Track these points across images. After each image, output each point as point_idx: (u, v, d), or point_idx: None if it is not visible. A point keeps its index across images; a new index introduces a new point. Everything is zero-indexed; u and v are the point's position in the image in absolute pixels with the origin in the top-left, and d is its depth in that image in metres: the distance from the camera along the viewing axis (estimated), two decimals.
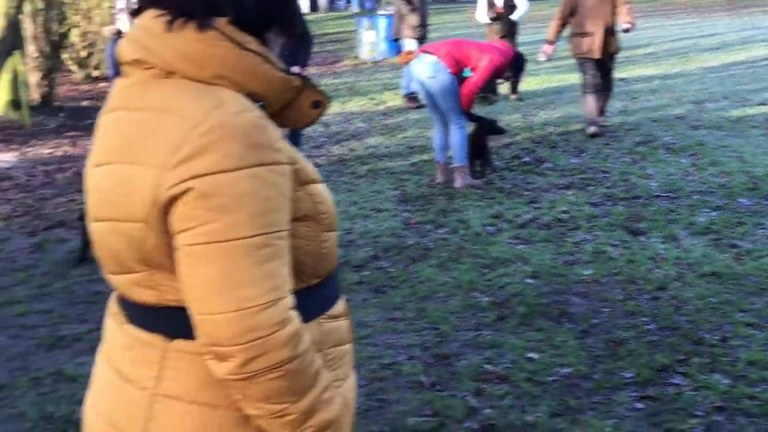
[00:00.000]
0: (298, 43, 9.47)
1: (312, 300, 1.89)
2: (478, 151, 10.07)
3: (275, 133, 1.73)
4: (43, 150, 14.35)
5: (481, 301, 6.35)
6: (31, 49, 18.32)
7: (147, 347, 1.84)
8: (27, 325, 6.44)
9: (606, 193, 9.17)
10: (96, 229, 1.88)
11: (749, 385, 4.86)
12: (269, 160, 1.68)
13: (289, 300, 1.71)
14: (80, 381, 5.29)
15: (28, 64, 17.79)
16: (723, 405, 4.67)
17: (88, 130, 16.09)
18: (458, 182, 9.80)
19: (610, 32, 11.81)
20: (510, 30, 15.40)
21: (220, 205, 1.63)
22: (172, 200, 1.65)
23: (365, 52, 25.22)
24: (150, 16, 1.79)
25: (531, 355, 5.38)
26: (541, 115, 14.14)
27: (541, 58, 12.71)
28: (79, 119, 17.36)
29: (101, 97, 20.52)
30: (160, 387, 1.81)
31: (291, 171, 1.75)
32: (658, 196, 8.97)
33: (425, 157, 11.40)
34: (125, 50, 1.82)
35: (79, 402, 4.89)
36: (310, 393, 1.76)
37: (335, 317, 1.98)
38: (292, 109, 1.86)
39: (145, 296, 1.82)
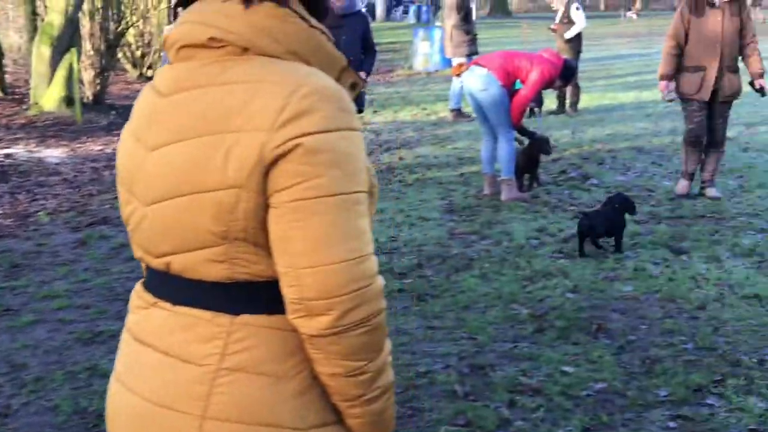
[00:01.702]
0: (365, 53, 9.59)
1: None
2: (528, 165, 10.09)
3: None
4: (93, 147, 14.49)
5: (520, 313, 6.32)
6: (87, 47, 18.53)
7: (207, 324, 1.87)
8: (65, 319, 6.49)
9: (651, 211, 9.11)
10: (160, 209, 1.90)
11: None
12: (354, 125, 1.83)
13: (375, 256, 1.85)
14: None
15: (83, 61, 17.98)
16: (758, 428, 4.61)
17: None
18: (505, 195, 9.77)
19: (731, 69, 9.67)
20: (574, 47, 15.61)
21: (327, 160, 1.75)
22: (278, 159, 1.75)
23: (419, 63, 25.41)
24: (216, 1, 1.89)
25: (566, 368, 5.34)
26: (591, 132, 14.11)
27: (663, 97, 10.14)
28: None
29: None
30: (224, 361, 1.84)
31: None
32: (702, 216, 8.90)
33: (474, 168, 11.39)
34: (195, 32, 1.88)
35: None
36: (383, 351, 1.88)
37: None
38: None
39: (216, 272, 1.86)
